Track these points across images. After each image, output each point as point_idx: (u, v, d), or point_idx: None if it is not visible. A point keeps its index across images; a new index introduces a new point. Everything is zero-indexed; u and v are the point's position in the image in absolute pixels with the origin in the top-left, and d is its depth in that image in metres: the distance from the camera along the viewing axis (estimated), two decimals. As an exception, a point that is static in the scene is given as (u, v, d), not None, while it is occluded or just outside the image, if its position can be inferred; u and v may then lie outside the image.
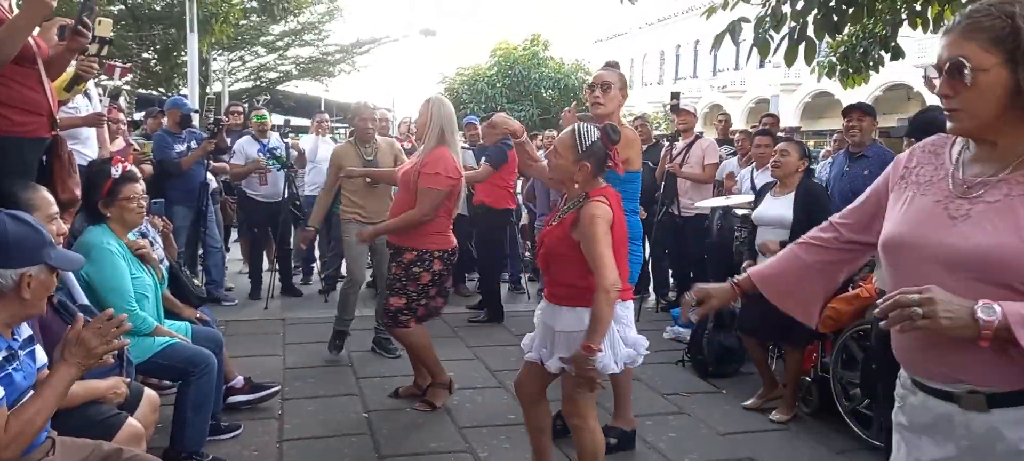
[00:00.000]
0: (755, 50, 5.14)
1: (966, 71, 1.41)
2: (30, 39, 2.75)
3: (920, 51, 21.17)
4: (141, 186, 3.40)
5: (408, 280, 4.02)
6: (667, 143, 6.76)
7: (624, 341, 2.82)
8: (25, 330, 2.09)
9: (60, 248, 2.08)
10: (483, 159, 6.26)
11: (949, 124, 1.49)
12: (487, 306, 6.37)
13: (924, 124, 4.26)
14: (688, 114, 6.83)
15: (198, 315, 3.92)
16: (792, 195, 4.13)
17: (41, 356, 2.13)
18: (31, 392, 1.99)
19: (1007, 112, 1.43)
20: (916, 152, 1.66)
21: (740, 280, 1.98)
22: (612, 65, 3.84)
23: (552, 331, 2.84)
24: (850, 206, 1.81)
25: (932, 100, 3.16)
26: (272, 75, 24.35)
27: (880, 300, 1.36)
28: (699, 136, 6.71)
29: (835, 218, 1.83)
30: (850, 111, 5.04)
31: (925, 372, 1.51)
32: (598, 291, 2.59)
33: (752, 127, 6.81)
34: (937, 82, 1.47)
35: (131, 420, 2.51)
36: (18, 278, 1.94)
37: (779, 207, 4.18)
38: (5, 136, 2.72)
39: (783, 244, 3.99)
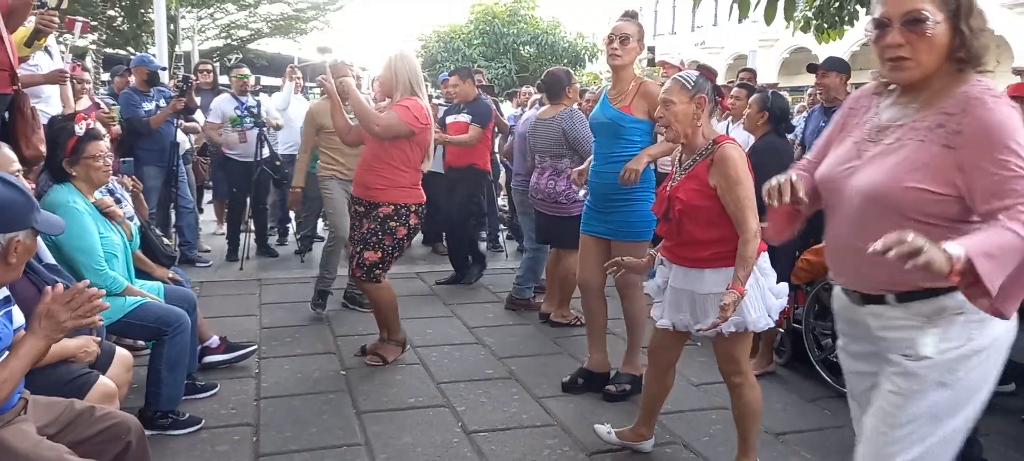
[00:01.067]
0: (736, 6, 5.10)
1: (930, 22, 1.61)
2: (-15, -9, 2.65)
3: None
4: (106, 144, 3.32)
5: (384, 234, 3.99)
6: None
7: (772, 291, 2.79)
8: (1, 292, 2.05)
9: (44, 212, 2.04)
10: (467, 117, 6.09)
11: (896, 74, 1.69)
12: (457, 267, 6.28)
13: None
14: (672, 67, 6.74)
15: (170, 275, 3.87)
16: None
17: (18, 317, 2.10)
18: (6, 353, 1.96)
19: (940, 67, 1.66)
20: (857, 97, 1.91)
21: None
22: (631, 15, 3.73)
23: (692, 295, 2.79)
24: (816, 144, 2.02)
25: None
26: (243, 33, 23.84)
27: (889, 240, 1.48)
28: None
29: (808, 155, 2.05)
30: (815, 68, 5.00)
31: (834, 276, 1.92)
32: (746, 233, 2.61)
33: (729, 83, 6.80)
34: (888, 34, 1.65)
35: (103, 379, 2.49)
36: (6, 243, 1.91)
37: None
38: (-37, 92, 2.64)
39: None
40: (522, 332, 4.93)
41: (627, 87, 3.66)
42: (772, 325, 2.81)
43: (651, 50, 7.02)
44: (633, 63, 3.69)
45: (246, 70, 7.23)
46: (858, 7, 6.73)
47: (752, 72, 7.99)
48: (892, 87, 1.80)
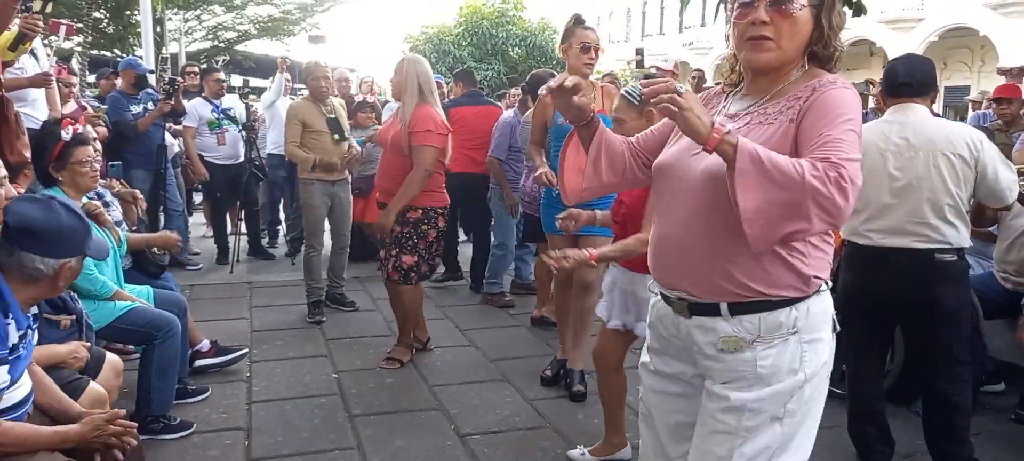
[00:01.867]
0: (722, 8, 5.11)
1: (795, 2, 1.56)
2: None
3: (883, 7, 21.41)
4: (93, 149, 3.29)
5: (418, 238, 4.05)
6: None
7: None
8: (32, 309, 2.12)
9: (95, 236, 2.18)
10: None
11: (755, 54, 1.60)
12: (447, 267, 6.28)
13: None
14: (668, 72, 6.81)
15: (177, 239, 3.91)
16: None
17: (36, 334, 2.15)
18: (25, 374, 2.03)
19: (798, 59, 1.62)
20: (704, 97, 1.84)
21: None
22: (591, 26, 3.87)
23: (636, 297, 2.83)
24: (652, 128, 1.94)
25: (896, 55, 3.19)
26: (230, 35, 23.67)
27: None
28: None
29: (639, 135, 1.93)
30: None
31: (658, 279, 1.76)
32: (639, 234, 2.65)
33: (716, 83, 6.87)
34: (753, 11, 1.58)
35: (93, 384, 2.47)
36: (58, 266, 2.04)
37: None
38: (-53, 96, 2.61)
39: None
40: (513, 333, 4.92)
41: (593, 89, 3.82)
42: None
43: (638, 52, 7.04)
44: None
45: (221, 73, 7.18)
46: (845, 8, 6.76)
47: (740, 73, 8.03)
48: (739, 87, 1.74)
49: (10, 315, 1.91)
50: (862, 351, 3.09)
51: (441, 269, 6.09)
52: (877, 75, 3.94)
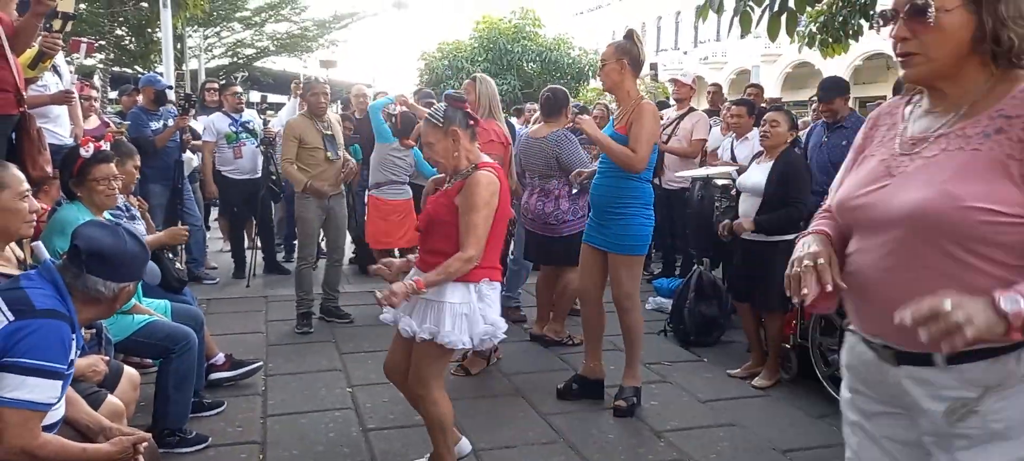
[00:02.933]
0: (735, 22, 5.13)
1: (930, 11, 1.38)
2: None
3: (899, 20, 21.24)
4: (112, 167, 3.33)
5: None
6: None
7: (484, 319, 2.82)
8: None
9: (150, 263, 2.26)
10: None
11: (906, 70, 1.44)
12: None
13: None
14: (685, 86, 6.73)
15: (184, 230, 3.98)
16: (771, 164, 4.15)
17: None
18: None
19: (965, 58, 1.40)
20: (878, 114, 1.64)
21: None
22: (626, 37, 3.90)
23: (434, 303, 2.78)
24: (834, 184, 1.71)
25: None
26: (249, 51, 23.99)
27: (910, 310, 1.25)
28: (691, 110, 6.62)
29: (827, 202, 1.73)
30: (819, 100, 5.16)
31: (857, 323, 1.56)
32: (460, 254, 2.68)
33: (726, 102, 6.85)
34: (892, 27, 1.44)
35: (111, 397, 2.50)
36: (119, 290, 2.11)
37: (757, 174, 4.20)
38: (-28, 113, 2.67)
39: (758, 214, 4.09)
40: (526, 348, 4.92)
41: (628, 107, 3.73)
42: (470, 348, 2.91)
43: (653, 67, 7.03)
44: (623, 83, 3.71)
45: (239, 87, 7.26)
46: (862, 22, 6.75)
47: (759, 88, 7.99)
48: (918, 96, 1.55)
49: (74, 333, 1.99)
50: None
51: None
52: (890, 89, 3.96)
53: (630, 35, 3.74)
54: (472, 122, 2.89)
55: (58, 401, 1.97)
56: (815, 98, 6.12)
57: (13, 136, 2.95)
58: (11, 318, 1.89)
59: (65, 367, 1.93)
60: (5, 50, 2.77)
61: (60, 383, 1.92)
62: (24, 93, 2.93)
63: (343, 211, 5.35)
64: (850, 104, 5.39)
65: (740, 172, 4.81)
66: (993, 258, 1.32)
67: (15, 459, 1.87)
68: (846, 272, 1.53)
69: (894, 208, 1.41)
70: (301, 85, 7.91)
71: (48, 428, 1.98)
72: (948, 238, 1.34)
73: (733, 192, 4.63)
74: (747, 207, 4.24)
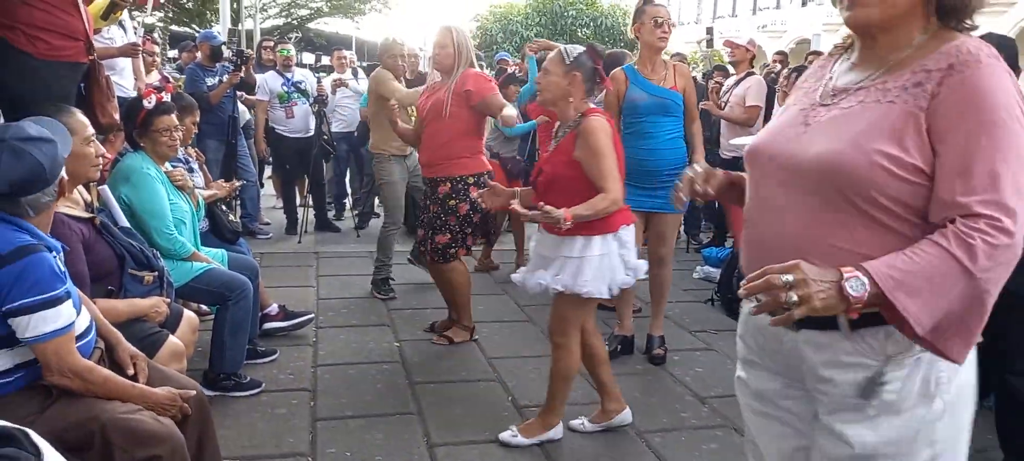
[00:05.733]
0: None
1: None
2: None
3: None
4: (173, 118, 3.43)
5: (447, 214, 3.99)
6: (704, 81, 6.58)
7: (626, 265, 2.84)
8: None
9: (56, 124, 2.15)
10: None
11: (853, 11, 1.33)
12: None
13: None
14: (739, 47, 6.49)
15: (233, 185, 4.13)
16: None
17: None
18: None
19: (916, 5, 1.32)
20: (809, 71, 1.57)
21: None
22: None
23: (558, 260, 2.81)
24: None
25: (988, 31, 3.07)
26: (303, 12, 24.27)
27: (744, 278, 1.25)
28: (751, 73, 6.36)
29: None
30: None
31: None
32: (604, 195, 2.66)
33: (789, 69, 6.61)
34: None
35: (172, 338, 2.60)
36: (58, 184, 2.01)
37: None
38: (43, 60, 2.76)
39: None
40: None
41: (665, 68, 3.88)
42: (607, 297, 2.87)
43: (709, 31, 6.90)
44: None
45: (290, 47, 7.34)
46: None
47: (820, 56, 7.72)
48: (850, 51, 1.45)
49: (52, 251, 1.96)
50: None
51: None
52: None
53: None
54: (599, 80, 2.88)
55: (78, 315, 1.99)
56: None
57: (82, 85, 3.05)
58: None
59: (64, 285, 1.92)
60: (78, 0, 2.85)
61: (69, 301, 1.92)
62: (93, 43, 3.02)
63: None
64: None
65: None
66: (895, 212, 1.27)
67: (71, 382, 1.92)
68: (745, 224, 1.47)
69: (802, 157, 1.35)
70: (342, 58, 8.01)
71: (82, 336, 2.02)
72: (851, 189, 1.27)
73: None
74: None
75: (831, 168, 1.29)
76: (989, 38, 2.95)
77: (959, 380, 1.34)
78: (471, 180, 4.01)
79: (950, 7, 1.31)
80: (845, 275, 1.18)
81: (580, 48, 2.87)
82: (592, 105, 2.89)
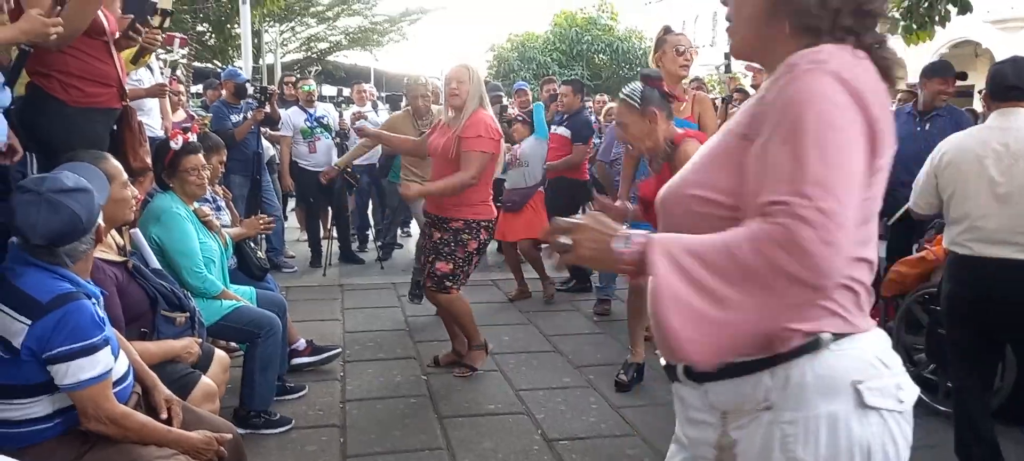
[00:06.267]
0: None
1: None
2: (99, 12, 2.82)
3: (989, 5, 20.20)
4: (201, 157, 3.49)
5: (456, 246, 3.99)
6: (723, 105, 6.61)
7: None
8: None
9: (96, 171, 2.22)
10: (566, 132, 5.96)
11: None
12: (575, 277, 6.24)
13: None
14: (760, 72, 6.56)
15: (264, 221, 4.10)
16: None
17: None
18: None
19: (765, 33, 1.23)
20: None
21: None
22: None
23: None
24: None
25: (1003, 57, 3.05)
26: (322, 45, 24.57)
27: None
28: None
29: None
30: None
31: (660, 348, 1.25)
32: None
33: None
34: None
35: (204, 378, 2.62)
36: (95, 233, 2.05)
37: None
38: (78, 107, 2.81)
39: None
40: (598, 341, 4.91)
41: (685, 96, 3.96)
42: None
43: (726, 56, 6.91)
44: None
45: (311, 83, 7.44)
46: (949, 7, 6.45)
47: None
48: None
49: (92, 298, 1.99)
50: (967, 364, 2.96)
51: (565, 274, 6.19)
52: (982, 78, 3.72)
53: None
54: (672, 100, 2.92)
55: (115, 360, 2.01)
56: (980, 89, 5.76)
57: (115, 128, 3.10)
58: (27, 321, 1.87)
59: (102, 332, 1.94)
60: (110, 47, 2.92)
61: (106, 348, 1.94)
62: (126, 88, 3.08)
63: None
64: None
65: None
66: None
67: (107, 428, 1.94)
68: None
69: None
70: (362, 91, 8.16)
71: (120, 380, 2.04)
72: (680, 229, 1.17)
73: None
74: None
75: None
76: (1013, 61, 2.92)
77: (824, 449, 1.12)
78: (484, 224, 4.04)
79: (810, 27, 1.18)
80: (621, 232, 1.14)
81: (637, 85, 2.87)
82: (677, 128, 2.92)
